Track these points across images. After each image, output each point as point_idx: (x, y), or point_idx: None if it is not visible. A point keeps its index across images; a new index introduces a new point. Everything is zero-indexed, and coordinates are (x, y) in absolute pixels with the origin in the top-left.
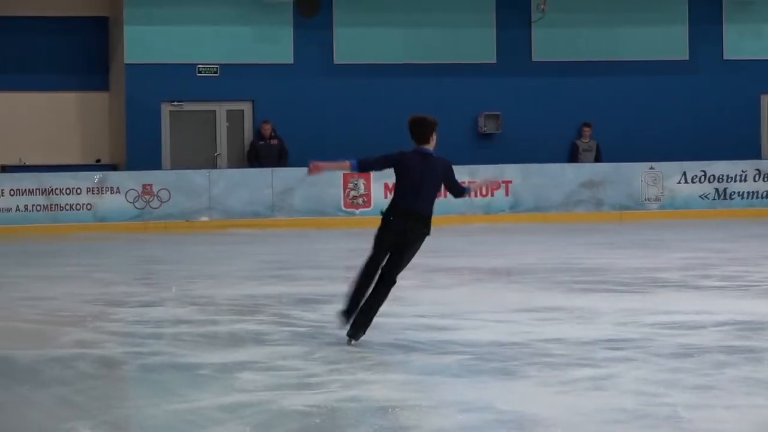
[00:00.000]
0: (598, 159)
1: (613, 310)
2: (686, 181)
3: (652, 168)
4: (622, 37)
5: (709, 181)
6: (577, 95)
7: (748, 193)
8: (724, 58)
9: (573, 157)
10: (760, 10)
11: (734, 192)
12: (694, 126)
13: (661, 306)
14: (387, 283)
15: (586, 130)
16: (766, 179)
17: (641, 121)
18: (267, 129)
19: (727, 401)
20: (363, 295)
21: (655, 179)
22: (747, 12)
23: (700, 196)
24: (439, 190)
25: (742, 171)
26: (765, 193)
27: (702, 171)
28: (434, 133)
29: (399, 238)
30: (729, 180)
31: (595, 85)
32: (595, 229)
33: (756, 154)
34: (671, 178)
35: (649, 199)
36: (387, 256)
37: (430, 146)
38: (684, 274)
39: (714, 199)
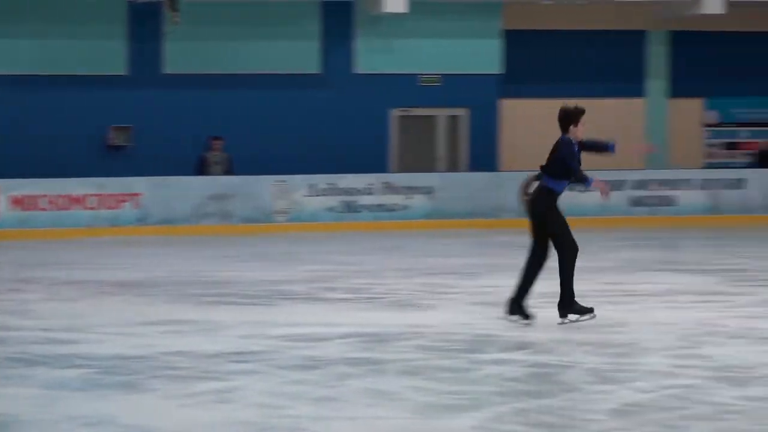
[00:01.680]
0: (229, 172)
1: (239, 323)
2: (314, 194)
3: (280, 181)
4: (254, 51)
5: (337, 194)
6: (208, 108)
7: (376, 205)
8: (355, 72)
9: (202, 170)
10: (390, 25)
11: (361, 205)
12: (324, 139)
13: (287, 318)
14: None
15: (216, 143)
16: (393, 192)
17: (272, 135)
18: None
19: (349, 413)
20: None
21: (284, 192)
22: (377, 27)
23: (328, 209)
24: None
25: (370, 184)
26: (392, 206)
27: (330, 184)
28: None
29: None
30: (357, 193)
31: (227, 98)
32: (224, 241)
33: (383, 168)
34: (299, 190)
35: (277, 212)
36: None
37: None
38: (310, 287)
39: (342, 212)
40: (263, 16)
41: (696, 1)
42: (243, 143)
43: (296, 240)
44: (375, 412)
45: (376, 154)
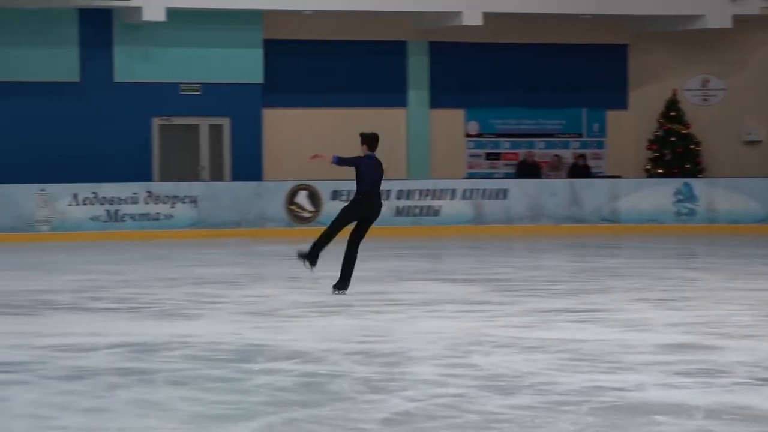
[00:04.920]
0: None
1: (3, 333)
2: (77, 203)
3: (42, 190)
4: (12, 58)
5: (101, 203)
6: None
7: (140, 215)
8: (115, 80)
9: None
10: (149, 33)
11: (126, 214)
12: (86, 148)
13: (53, 328)
14: (357, 246)
15: None
16: (157, 201)
17: (32, 143)
18: None
19: (119, 423)
20: (322, 249)
21: (46, 201)
22: (136, 35)
23: (91, 218)
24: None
25: (134, 193)
26: (156, 214)
27: (93, 193)
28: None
29: (366, 214)
30: (120, 202)
31: None
32: None
33: (147, 177)
34: (62, 200)
35: (39, 221)
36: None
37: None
38: (75, 296)
39: (105, 221)
40: (21, 22)
41: (456, 12)
42: (2, 151)
43: (60, 249)
44: (145, 422)
45: (139, 163)
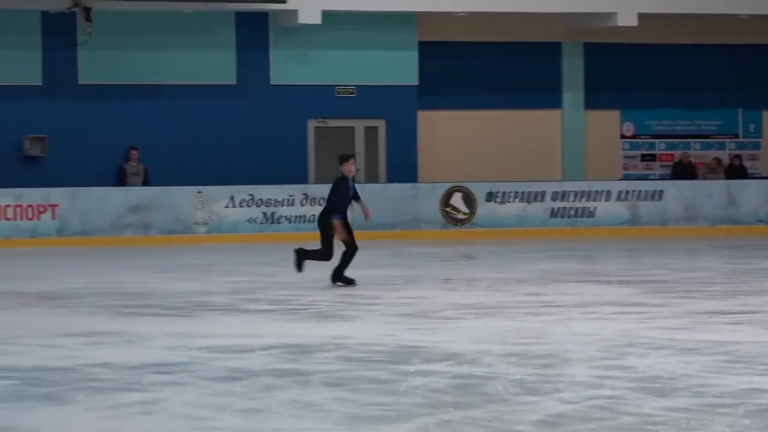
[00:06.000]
0: (146, 183)
1: (162, 334)
2: (234, 205)
3: (200, 192)
4: (169, 61)
5: (257, 205)
6: (124, 118)
7: (296, 217)
8: (271, 83)
9: (121, 180)
10: (305, 36)
11: (282, 216)
12: (242, 150)
13: (210, 329)
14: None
15: (134, 154)
16: (313, 203)
17: (189, 145)
18: None
19: (275, 424)
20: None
21: (203, 203)
22: (292, 38)
23: (248, 220)
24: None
25: (290, 195)
26: (312, 217)
27: (250, 195)
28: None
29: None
30: (276, 204)
31: (143, 109)
32: (143, 253)
33: (303, 179)
34: (219, 202)
35: (197, 223)
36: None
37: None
38: (232, 298)
39: (262, 223)
40: (178, 25)
41: (611, 13)
42: (160, 154)
43: (217, 251)
44: (300, 423)
45: (295, 164)
